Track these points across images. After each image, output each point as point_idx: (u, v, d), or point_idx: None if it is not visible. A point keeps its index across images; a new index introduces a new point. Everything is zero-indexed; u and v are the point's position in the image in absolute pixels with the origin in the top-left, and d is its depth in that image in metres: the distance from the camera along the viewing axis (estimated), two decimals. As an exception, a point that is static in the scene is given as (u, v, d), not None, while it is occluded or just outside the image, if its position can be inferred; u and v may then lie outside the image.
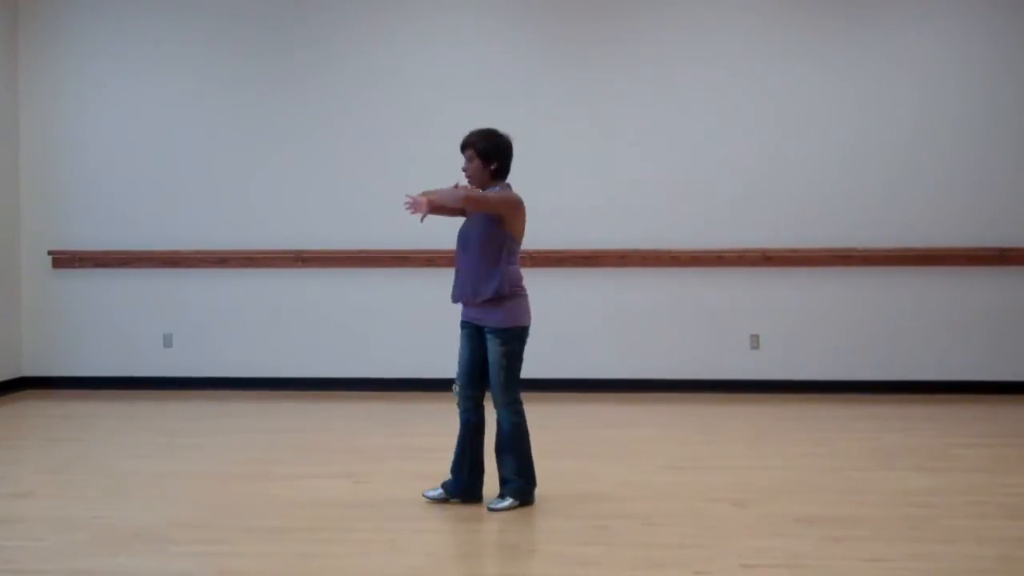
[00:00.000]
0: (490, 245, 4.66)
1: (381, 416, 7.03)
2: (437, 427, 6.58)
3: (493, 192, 4.69)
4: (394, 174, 7.83)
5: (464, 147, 4.76)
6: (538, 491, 4.88)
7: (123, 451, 5.92)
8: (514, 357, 4.69)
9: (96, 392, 7.85)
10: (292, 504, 4.77)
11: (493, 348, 4.68)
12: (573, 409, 7.23)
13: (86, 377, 7.98)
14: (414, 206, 4.56)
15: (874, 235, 7.65)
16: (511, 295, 4.67)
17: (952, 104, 7.64)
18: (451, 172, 7.91)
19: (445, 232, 7.70)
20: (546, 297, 7.81)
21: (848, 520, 4.47)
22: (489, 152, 4.70)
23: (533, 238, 7.71)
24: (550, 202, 7.77)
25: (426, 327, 7.76)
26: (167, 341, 7.97)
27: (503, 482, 4.73)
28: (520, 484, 4.70)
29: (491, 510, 4.63)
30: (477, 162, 4.71)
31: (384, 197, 7.85)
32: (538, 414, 7.03)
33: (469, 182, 4.76)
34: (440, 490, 4.81)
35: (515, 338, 4.68)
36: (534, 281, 7.84)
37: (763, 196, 7.70)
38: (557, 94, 7.77)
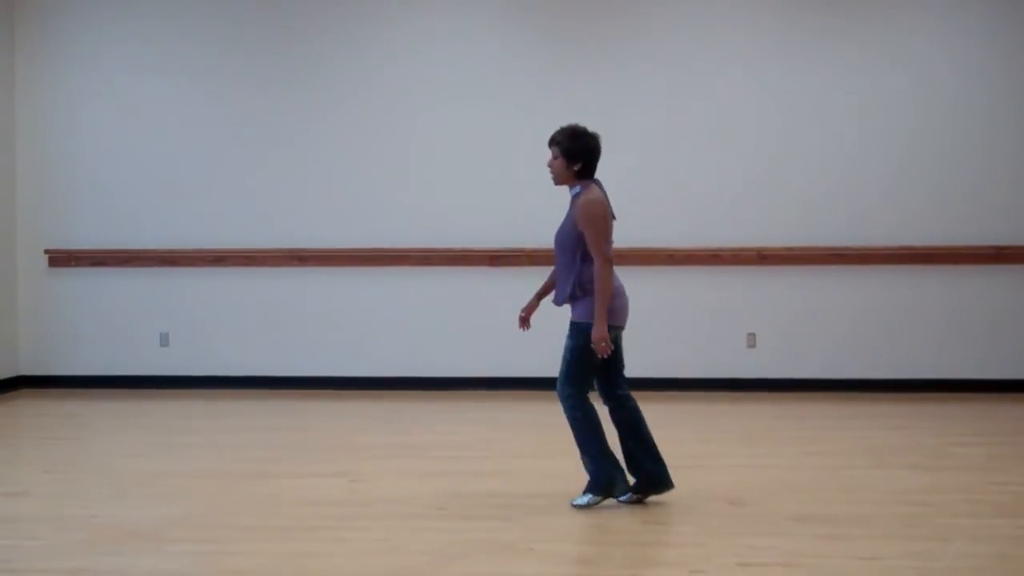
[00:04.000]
0: (567, 246, 4.71)
1: (378, 415, 7.02)
2: (434, 426, 6.59)
3: (589, 233, 4.59)
4: (391, 173, 7.83)
5: (550, 143, 4.78)
6: (535, 489, 4.89)
7: (120, 450, 5.91)
8: (576, 353, 4.64)
9: (93, 391, 7.84)
10: (289, 503, 4.77)
11: (565, 340, 4.71)
12: (570, 408, 7.22)
13: (83, 376, 7.97)
14: (606, 350, 4.58)
15: (870, 234, 7.66)
16: (584, 293, 4.63)
17: (949, 103, 7.65)
18: (447, 172, 7.94)
19: (441, 231, 7.76)
20: (543, 296, 7.82)
21: (844, 518, 4.47)
22: (573, 152, 4.69)
23: (530, 236, 7.75)
24: (546, 202, 7.77)
25: (423, 326, 7.77)
26: (164, 340, 7.96)
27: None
28: (593, 477, 4.67)
29: (572, 504, 4.66)
30: (561, 160, 4.71)
31: (381, 196, 7.87)
32: (534, 412, 7.06)
33: (553, 178, 4.78)
34: (630, 494, 4.74)
35: (581, 334, 4.62)
36: (531, 279, 7.83)
37: (759, 195, 7.70)
38: (553, 94, 7.75)
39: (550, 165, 4.76)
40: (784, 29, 7.70)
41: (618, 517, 4.51)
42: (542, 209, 7.76)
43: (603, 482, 4.65)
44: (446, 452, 5.75)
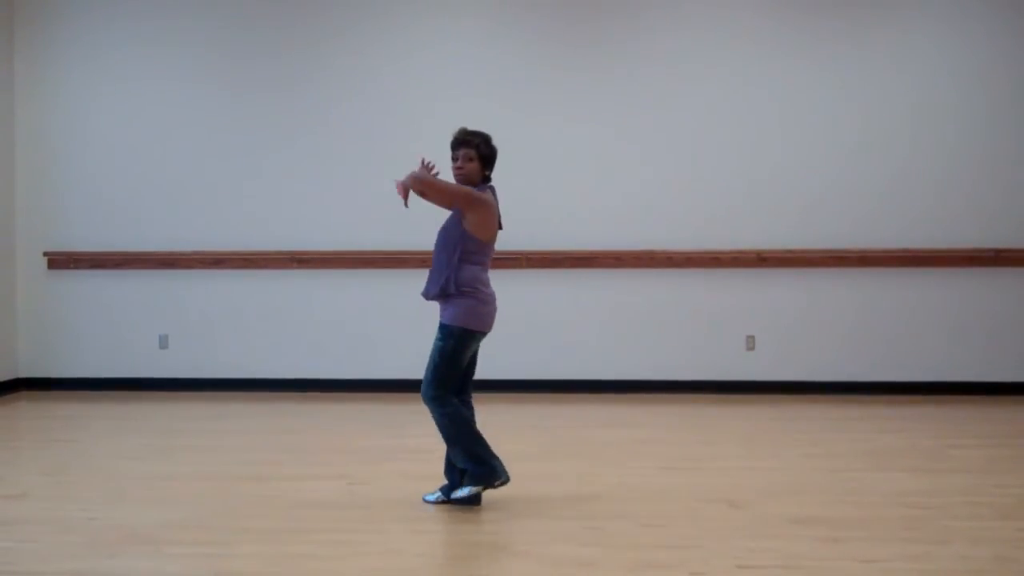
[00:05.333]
0: (448, 243, 4.67)
1: (377, 417, 7.03)
2: (433, 428, 6.58)
3: (457, 185, 4.65)
4: (389, 175, 7.81)
5: (462, 145, 4.71)
6: (534, 491, 4.90)
7: (119, 452, 5.91)
8: (445, 356, 4.63)
9: (92, 393, 7.84)
10: (288, 505, 4.77)
11: (434, 342, 4.68)
12: (568, 410, 7.23)
13: (82, 378, 7.98)
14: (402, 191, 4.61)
15: (870, 236, 7.66)
16: (458, 295, 4.62)
17: (949, 106, 7.65)
18: (444, 175, 7.89)
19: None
20: (542, 298, 7.84)
21: (843, 521, 4.47)
22: (489, 158, 4.74)
23: (529, 239, 7.76)
24: (546, 204, 7.80)
25: (421, 328, 7.73)
26: (163, 342, 7.96)
27: (460, 474, 4.74)
28: (472, 469, 4.66)
29: (451, 499, 4.68)
30: (477, 164, 4.69)
31: (379, 199, 7.85)
32: (533, 415, 7.07)
33: (462, 180, 4.71)
34: (439, 493, 4.81)
35: (451, 337, 4.62)
36: (529, 282, 7.92)
37: (759, 197, 7.71)
38: (553, 96, 7.77)
39: (462, 167, 4.69)
40: (783, 31, 7.70)
41: (617, 519, 4.51)
42: (539, 213, 7.78)
43: (482, 471, 4.65)
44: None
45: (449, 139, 4.81)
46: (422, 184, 4.61)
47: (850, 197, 7.67)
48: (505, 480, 4.67)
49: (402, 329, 7.81)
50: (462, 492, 4.67)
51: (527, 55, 7.80)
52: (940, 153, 7.65)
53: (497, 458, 4.71)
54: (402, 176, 4.69)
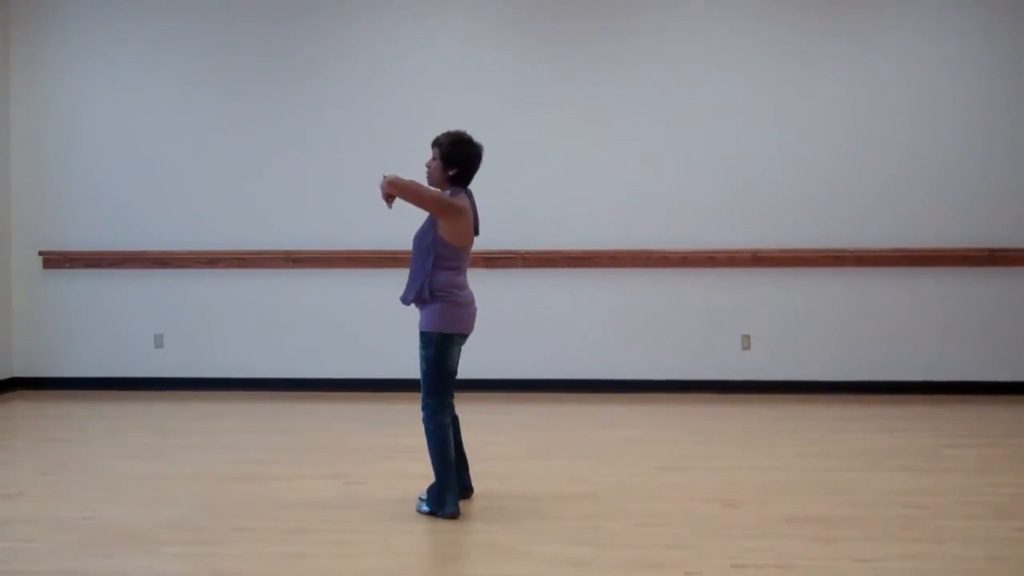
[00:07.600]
0: (422, 248, 4.67)
1: (373, 417, 7.02)
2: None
3: (429, 189, 4.64)
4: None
5: (433, 144, 4.76)
6: (529, 491, 4.89)
7: (114, 452, 5.91)
8: (432, 363, 4.61)
9: (87, 393, 7.84)
10: (284, 505, 4.77)
11: (419, 351, 4.68)
12: (564, 410, 7.23)
13: (77, 378, 7.97)
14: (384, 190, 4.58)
15: (865, 236, 7.68)
16: (433, 299, 4.60)
17: (945, 106, 7.67)
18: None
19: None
20: (537, 298, 7.85)
21: (839, 520, 4.48)
22: (451, 157, 4.69)
23: (525, 239, 7.77)
24: (542, 203, 7.80)
25: (417, 327, 7.75)
26: (158, 342, 7.96)
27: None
28: (432, 494, 4.64)
29: (418, 510, 4.66)
30: (439, 163, 4.70)
31: (374, 198, 7.86)
32: (528, 415, 7.07)
33: (428, 179, 4.74)
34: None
35: (431, 343, 4.60)
36: (526, 281, 7.92)
37: (755, 197, 7.72)
38: (550, 95, 7.78)
39: (427, 165, 4.73)
40: (780, 31, 7.71)
41: (613, 519, 4.52)
42: (536, 211, 7.79)
43: (440, 499, 4.60)
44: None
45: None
46: (391, 188, 4.57)
47: (846, 197, 7.68)
48: (453, 516, 4.57)
49: (397, 328, 7.78)
50: (423, 508, 4.64)
51: (524, 55, 7.80)
52: (936, 153, 7.67)
53: (455, 491, 4.64)
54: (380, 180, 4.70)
